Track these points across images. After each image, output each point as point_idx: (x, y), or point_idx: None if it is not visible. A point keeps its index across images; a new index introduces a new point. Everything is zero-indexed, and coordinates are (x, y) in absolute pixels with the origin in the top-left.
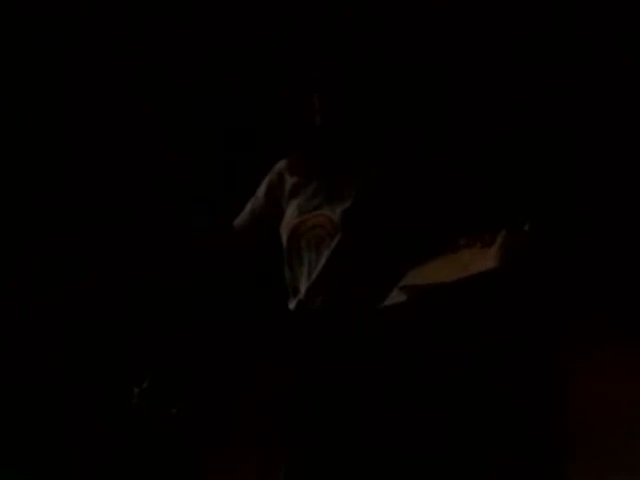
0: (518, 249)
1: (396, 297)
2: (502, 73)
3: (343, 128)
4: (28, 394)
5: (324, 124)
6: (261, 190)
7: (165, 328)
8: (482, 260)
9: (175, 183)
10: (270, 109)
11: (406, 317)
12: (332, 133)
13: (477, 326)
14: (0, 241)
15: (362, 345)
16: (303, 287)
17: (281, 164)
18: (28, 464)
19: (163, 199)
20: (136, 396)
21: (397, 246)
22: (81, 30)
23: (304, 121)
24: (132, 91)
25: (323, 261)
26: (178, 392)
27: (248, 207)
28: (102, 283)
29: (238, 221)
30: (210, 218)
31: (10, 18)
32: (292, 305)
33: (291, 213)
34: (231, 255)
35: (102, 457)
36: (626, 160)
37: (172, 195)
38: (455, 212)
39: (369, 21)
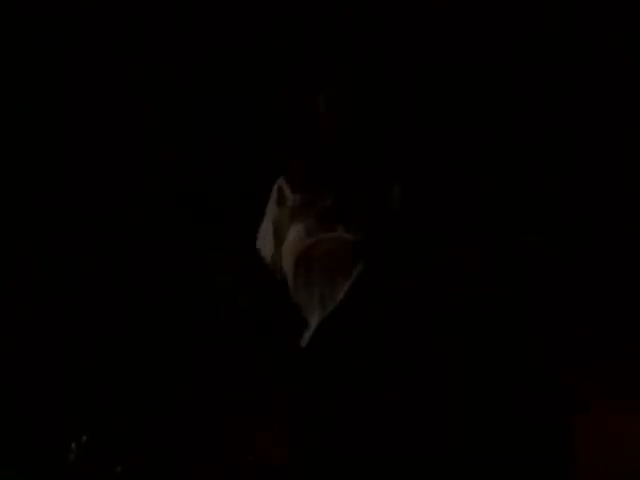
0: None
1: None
2: (502, 73)
3: (346, 134)
4: (28, 394)
5: (327, 130)
6: (268, 233)
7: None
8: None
9: (175, 183)
10: (270, 109)
11: (407, 345)
12: (335, 140)
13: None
14: (0, 241)
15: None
16: (314, 320)
17: (279, 181)
18: (28, 464)
19: (163, 199)
20: (73, 452)
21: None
22: (81, 30)
23: (305, 126)
24: (132, 91)
25: (341, 295)
26: (124, 446)
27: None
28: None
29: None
30: (210, 218)
31: (10, 18)
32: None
33: (297, 234)
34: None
35: None
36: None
37: (172, 195)
38: (458, 228)
39: (369, 21)
